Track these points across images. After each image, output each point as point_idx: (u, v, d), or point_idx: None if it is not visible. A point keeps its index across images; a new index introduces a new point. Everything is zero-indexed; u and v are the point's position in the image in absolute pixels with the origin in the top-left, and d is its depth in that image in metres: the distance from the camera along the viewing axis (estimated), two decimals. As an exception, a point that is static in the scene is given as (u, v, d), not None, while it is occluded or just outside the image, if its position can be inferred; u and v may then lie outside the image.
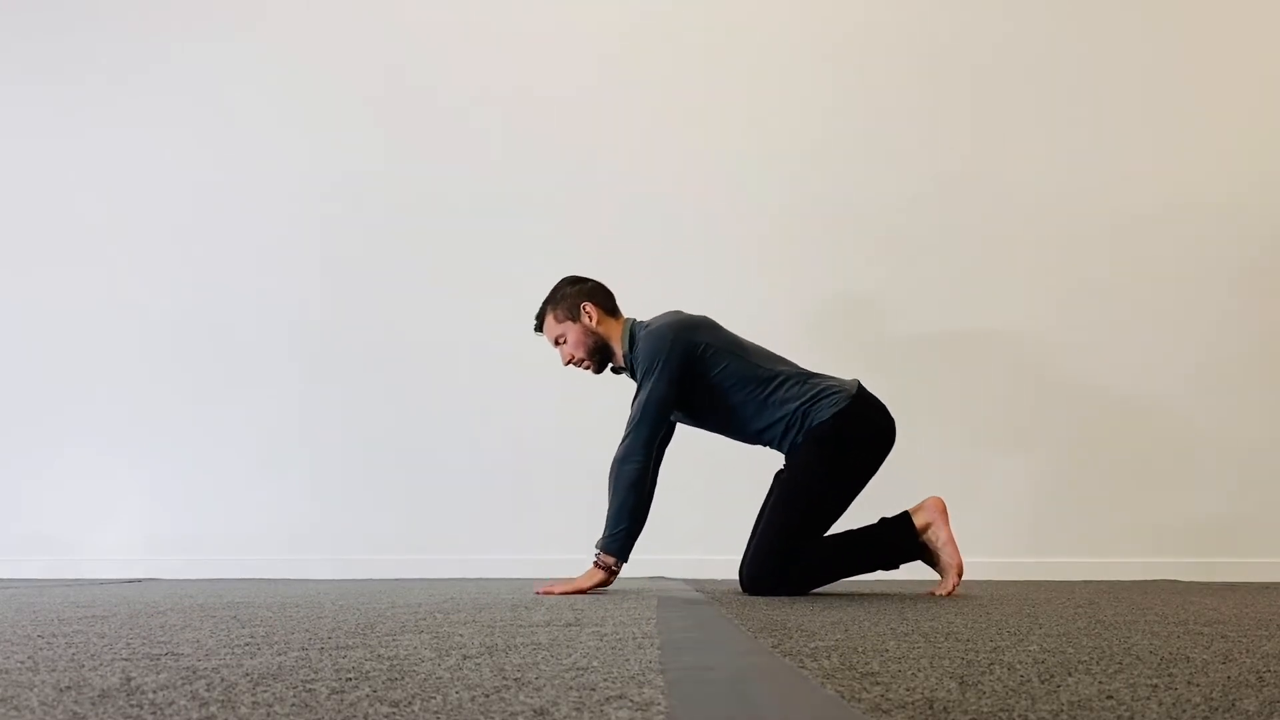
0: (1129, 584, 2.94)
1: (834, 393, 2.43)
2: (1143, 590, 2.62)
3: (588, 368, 2.58)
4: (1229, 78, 3.54)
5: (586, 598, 2.24)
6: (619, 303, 2.63)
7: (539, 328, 2.61)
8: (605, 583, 2.39)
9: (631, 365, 2.50)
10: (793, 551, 2.36)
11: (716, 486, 3.33)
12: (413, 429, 3.58)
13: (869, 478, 2.46)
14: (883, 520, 2.43)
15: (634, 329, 2.52)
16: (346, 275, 3.68)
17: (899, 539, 2.40)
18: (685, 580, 3.05)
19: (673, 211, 3.58)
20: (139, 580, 3.37)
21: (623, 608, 1.86)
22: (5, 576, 3.58)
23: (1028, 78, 3.57)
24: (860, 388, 2.47)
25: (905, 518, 2.42)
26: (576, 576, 2.44)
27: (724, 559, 3.36)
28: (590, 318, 2.53)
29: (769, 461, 2.59)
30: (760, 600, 2.17)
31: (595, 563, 2.38)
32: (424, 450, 3.56)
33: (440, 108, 3.71)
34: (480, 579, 3.23)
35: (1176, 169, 3.49)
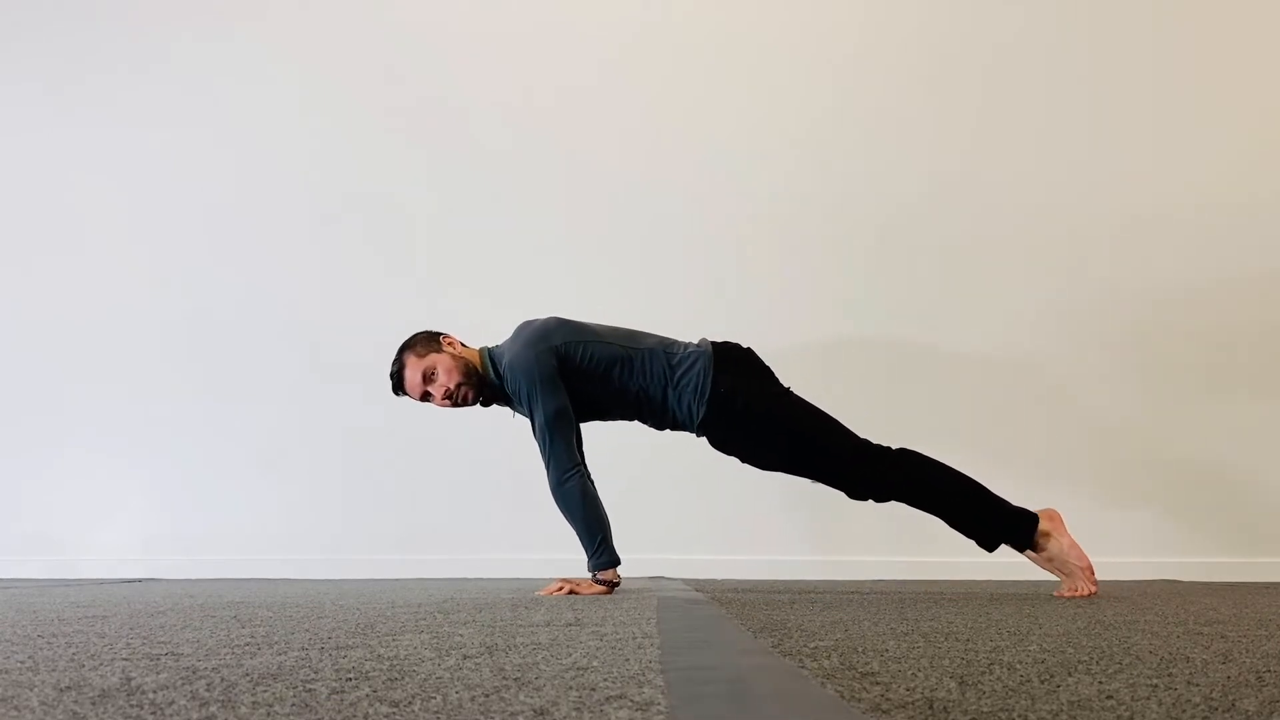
0: (1129, 584, 2.94)
1: (696, 354, 2.43)
2: (1143, 590, 2.63)
3: (468, 395, 2.48)
4: (1236, 79, 3.53)
5: (586, 597, 2.24)
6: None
7: (399, 385, 2.51)
8: (608, 592, 2.38)
9: (504, 392, 2.48)
10: (847, 452, 2.36)
11: (715, 487, 3.32)
12: (412, 428, 3.57)
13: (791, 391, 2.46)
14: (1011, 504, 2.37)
15: (491, 355, 2.50)
16: (346, 274, 3.68)
17: (1017, 519, 2.34)
18: (685, 580, 3.05)
19: (674, 213, 3.58)
20: (139, 580, 3.37)
21: (623, 608, 1.86)
22: (5, 576, 3.58)
23: (1029, 79, 3.56)
24: (708, 343, 2.48)
25: (1033, 516, 2.36)
26: (579, 578, 2.42)
27: (724, 559, 3.37)
28: (453, 346, 2.50)
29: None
30: (760, 600, 2.17)
31: (594, 579, 2.37)
32: (424, 450, 3.56)
33: (442, 109, 3.71)
34: (480, 579, 3.23)
35: (1181, 171, 3.48)
